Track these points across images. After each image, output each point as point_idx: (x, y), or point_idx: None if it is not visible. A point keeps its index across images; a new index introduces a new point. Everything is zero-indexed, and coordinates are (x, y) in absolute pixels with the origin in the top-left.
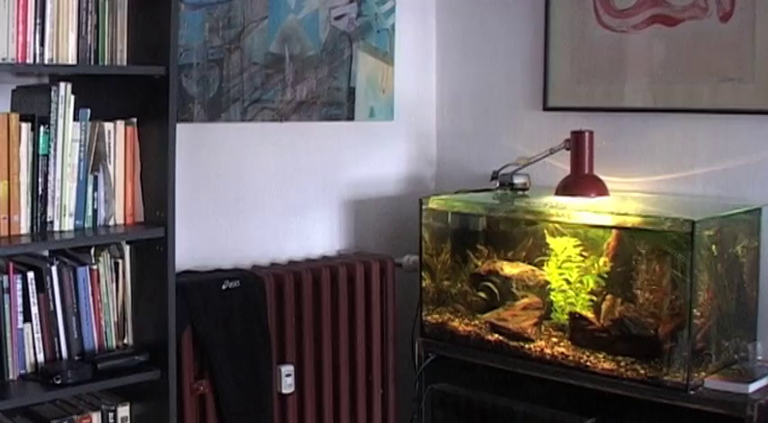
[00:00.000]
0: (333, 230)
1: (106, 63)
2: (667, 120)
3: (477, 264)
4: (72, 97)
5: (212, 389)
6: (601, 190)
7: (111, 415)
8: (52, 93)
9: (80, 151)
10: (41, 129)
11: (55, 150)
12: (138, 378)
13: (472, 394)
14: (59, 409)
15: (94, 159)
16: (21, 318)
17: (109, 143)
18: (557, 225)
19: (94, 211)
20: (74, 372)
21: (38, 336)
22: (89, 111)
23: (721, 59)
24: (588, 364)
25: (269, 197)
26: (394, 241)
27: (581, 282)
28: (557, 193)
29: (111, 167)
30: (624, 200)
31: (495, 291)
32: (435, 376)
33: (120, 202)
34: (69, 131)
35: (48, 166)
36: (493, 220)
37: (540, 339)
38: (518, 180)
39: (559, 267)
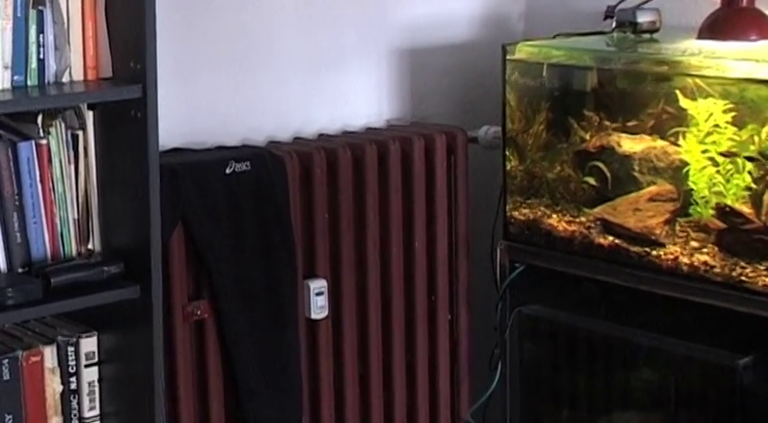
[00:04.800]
0: (380, 92)
1: None
2: None
3: (583, 137)
4: None
5: (213, 313)
6: (765, 30)
7: (70, 350)
8: None
9: None
10: None
11: None
12: (108, 297)
13: (576, 320)
14: None
15: None
16: None
17: None
18: (699, 81)
19: (41, 63)
20: (16, 289)
21: None
22: None
23: None
24: (744, 279)
25: (290, 45)
26: (466, 107)
27: (734, 163)
28: (700, 36)
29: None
30: None
31: (610, 175)
32: (525, 295)
33: (77, 50)
34: None
35: None
36: (607, 74)
37: (674, 243)
38: (643, 18)
39: (702, 142)
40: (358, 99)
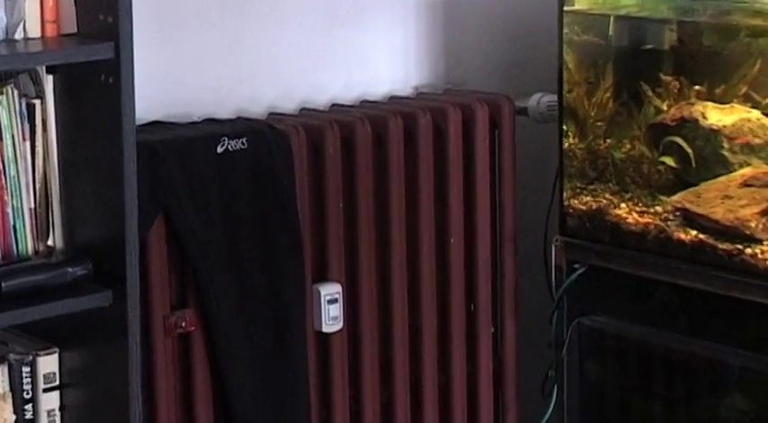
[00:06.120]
0: (406, 52)
1: None
2: None
3: (659, 107)
4: None
5: (201, 325)
6: None
7: (25, 370)
8: None
9: None
10: None
11: None
12: (73, 305)
13: (650, 335)
14: None
15: None
16: None
17: None
18: None
19: None
20: None
21: None
22: None
23: None
24: None
25: None
26: (512, 71)
27: None
28: None
29: None
30: None
31: (692, 153)
32: (586, 304)
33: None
34: None
35: None
36: (690, 29)
37: None
38: None
39: None
40: (379, 61)
